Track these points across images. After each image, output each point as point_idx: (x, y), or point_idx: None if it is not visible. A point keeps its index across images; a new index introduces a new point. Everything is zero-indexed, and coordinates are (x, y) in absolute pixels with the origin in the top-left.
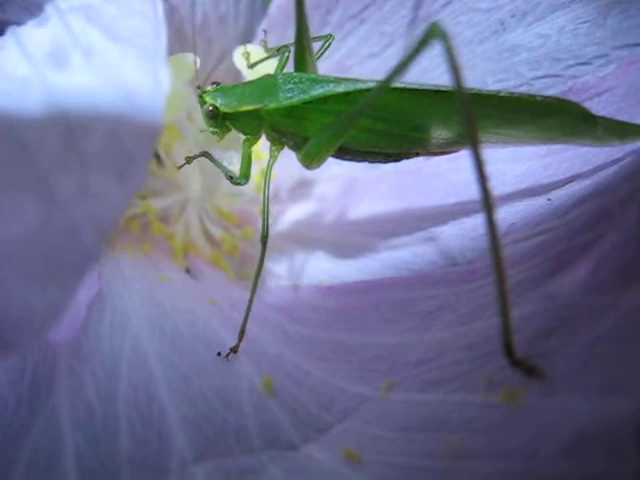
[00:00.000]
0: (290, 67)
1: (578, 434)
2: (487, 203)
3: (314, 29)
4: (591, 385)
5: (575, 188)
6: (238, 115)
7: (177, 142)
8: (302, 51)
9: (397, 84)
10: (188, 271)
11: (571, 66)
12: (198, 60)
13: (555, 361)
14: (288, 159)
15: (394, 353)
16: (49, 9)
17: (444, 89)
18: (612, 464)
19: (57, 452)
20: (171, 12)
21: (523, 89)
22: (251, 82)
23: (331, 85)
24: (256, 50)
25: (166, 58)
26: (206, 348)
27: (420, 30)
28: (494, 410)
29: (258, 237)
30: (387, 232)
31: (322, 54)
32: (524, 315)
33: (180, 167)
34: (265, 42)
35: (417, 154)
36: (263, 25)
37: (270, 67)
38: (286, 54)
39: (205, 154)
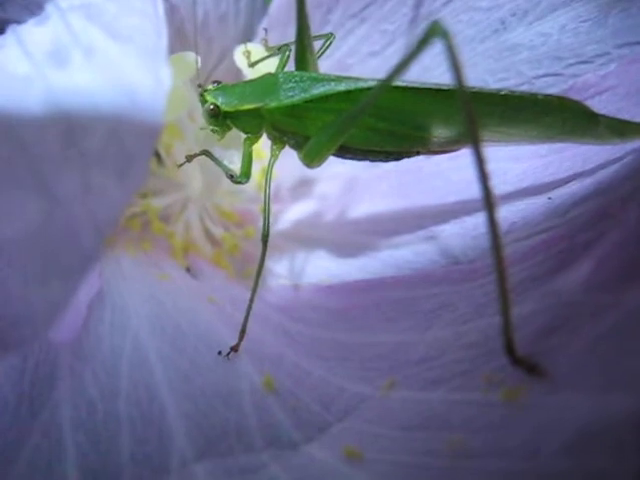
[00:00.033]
0: (291, 66)
1: (579, 432)
2: (488, 202)
3: (315, 28)
4: (592, 383)
5: (576, 187)
6: (239, 114)
7: (177, 141)
8: (303, 50)
9: (398, 83)
10: (189, 270)
11: (572, 65)
12: (199, 59)
13: (556, 359)
14: (289, 158)
15: (395, 352)
16: (49, 8)
17: (445, 88)
18: (613, 462)
19: (58, 451)
20: (172, 11)
21: (524, 88)
22: (252, 81)
23: (332, 84)
24: (257, 49)
25: (167, 57)
26: (207, 347)
27: (421, 29)
28: (495, 408)
29: (259, 236)
30: (388, 231)
31: (323, 53)
32: (525, 313)
33: (180, 165)
34: (266, 41)
35: (418, 153)
36: (264, 24)
37: (271, 66)
38: (287, 53)
39: (205, 152)
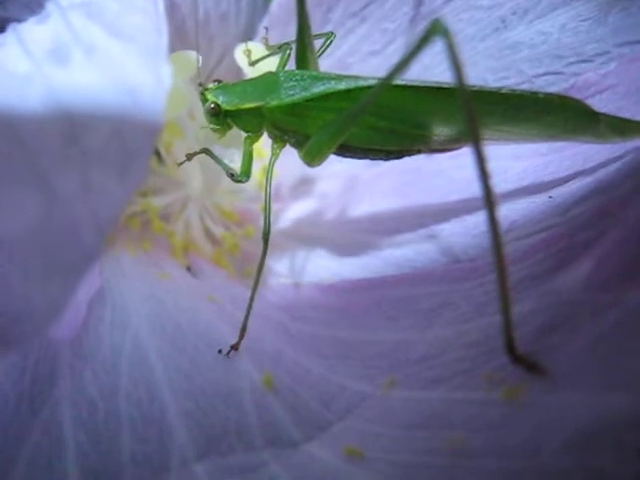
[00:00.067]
0: (292, 64)
1: (579, 431)
2: (489, 200)
3: (315, 27)
4: (592, 382)
5: (577, 185)
6: (240, 113)
7: (178, 140)
8: (304, 49)
9: (399, 81)
10: (189, 269)
11: (572, 63)
12: (200, 57)
13: (556, 358)
14: (289, 157)
15: (396, 350)
16: (50, 6)
17: (446, 86)
18: (613, 461)
19: (58, 449)
20: (172, 9)
21: (524, 87)
22: (253, 80)
23: (333, 82)
24: (257, 48)
25: (167, 55)
26: (207, 346)
27: (422, 27)
28: (496, 407)
29: (259, 235)
30: (389, 230)
31: (323, 52)
32: (526, 312)
33: (180, 164)
34: (266, 39)
35: (419, 151)
36: (264, 23)
37: (271, 65)
38: (287, 52)
39: (206, 151)
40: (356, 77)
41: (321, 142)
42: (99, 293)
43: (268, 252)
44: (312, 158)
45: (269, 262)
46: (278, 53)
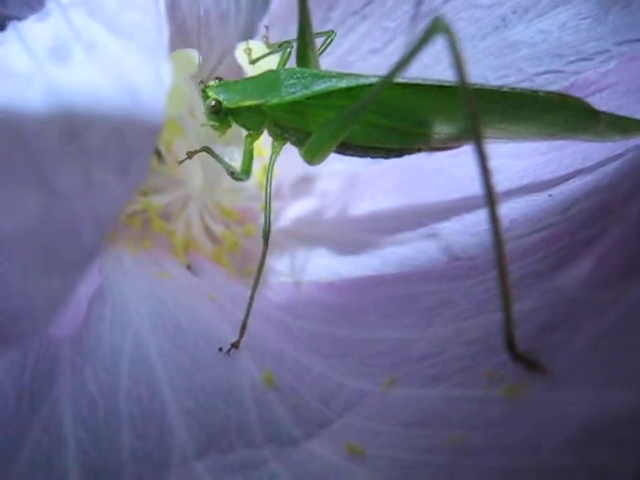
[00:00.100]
0: (292, 63)
1: (580, 429)
2: (490, 198)
3: (316, 25)
4: (593, 380)
5: (577, 184)
6: (240, 110)
7: (178, 138)
8: (305, 46)
9: (400, 79)
10: (189, 268)
11: (572, 62)
12: (200, 56)
13: (557, 356)
14: (290, 156)
15: (396, 349)
16: (50, 4)
17: (447, 84)
18: (614, 459)
19: (58, 447)
20: (173, 8)
21: (525, 85)
22: (254, 77)
23: (334, 80)
24: (258, 46)
25: (168, 53)
26: (207, 344)
27: (422, 26)
28: (496, 405)
29: (259, 234)
30: (389, 228)
31: (324, 50)
32: (526, 310)
33: (181, 162)
34: (267, 38)
35: (419, 150)
36: (265, 21)
37: (272, 63)
38: (288, 50)
39: (206, 149)
40: (357, 75)
41: (322, 140)
42: (99, 291)
43: (268, 251)
44: (313, 156)
45: (269, 261)
46: (278, 51)
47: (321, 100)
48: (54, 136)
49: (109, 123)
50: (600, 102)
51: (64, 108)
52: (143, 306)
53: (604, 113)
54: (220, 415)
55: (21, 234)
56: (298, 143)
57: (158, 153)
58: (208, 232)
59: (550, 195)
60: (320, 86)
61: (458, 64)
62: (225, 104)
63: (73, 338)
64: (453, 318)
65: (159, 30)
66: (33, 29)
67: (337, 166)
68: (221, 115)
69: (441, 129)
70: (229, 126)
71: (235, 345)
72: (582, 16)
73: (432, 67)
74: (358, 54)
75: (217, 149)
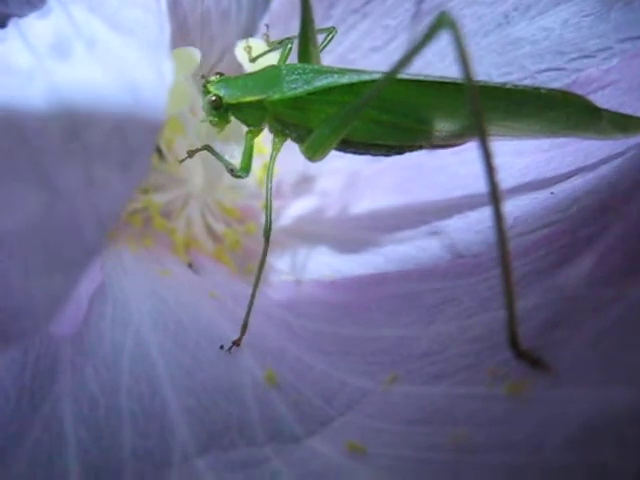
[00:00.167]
0: (293, 59)
1: (582, 426)
2: (495, 196)
3: (317, 23)
4: (595, 377)
5: (579, 181)
6: (241, 106)
7: (179, 136)
8: (306, 42)
9: (402, 75)
10: (190, 266)
11: (574, 59)
12: (200, 54)
13: (560, 353)
14: (290, 154)
15: (398, 346)
16: (51, 1)
17: (449, 81)
18: (615, 457)
19: (59, 445)
20: (174, 6)
21: (527, 82)
22: (255, 73)
23: (335, 76)
24: (258, 44)
25: (169, 51)
26: (208, 342)
27: (425, 23)
28: (499, 402)
29: (260, 232)
30: (390, 226)
31: (325, 46)
32: (529, 307)
33: (182, 160)
34: (267, 36)
35: (420, 147)
36: (265, 20)
37: (272, 61)
38: (289, 46)
39: (207, 147)
40: (359, 71)
41: (323, 136)
42: (100, 289)
43: (269, 249)
44: (314, 153)
45: (270, 259)
46: (279, 49)
47: (323, 96)
48: (55, 133)
49: (110, 120)
50: (602, 99)
51: (65, 105)
52: (144, 304)
53: (606, 111)
54: (221, 413)
55: (22, 232)
56: (299, 139)
57: (159, 151)
58: (209, 230)
59: (552, 193)
60: (322, 82)
61: (463, 60)
62: (226, 99)
63: (74, 336)
64: (456, 316)
65: (160, 27)
66: (34, 26)
67: (338, 164)
68: (221, 111)
69: (443, 126)
70: (228, 122)
71: (236, 343)
72: (584, 13)
73: (434, 64)
74: (359, 52)
75: (217, 147)
